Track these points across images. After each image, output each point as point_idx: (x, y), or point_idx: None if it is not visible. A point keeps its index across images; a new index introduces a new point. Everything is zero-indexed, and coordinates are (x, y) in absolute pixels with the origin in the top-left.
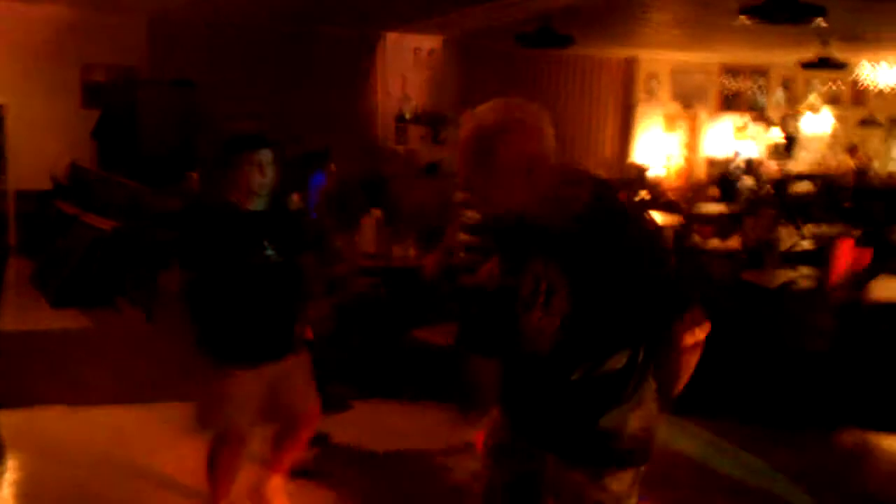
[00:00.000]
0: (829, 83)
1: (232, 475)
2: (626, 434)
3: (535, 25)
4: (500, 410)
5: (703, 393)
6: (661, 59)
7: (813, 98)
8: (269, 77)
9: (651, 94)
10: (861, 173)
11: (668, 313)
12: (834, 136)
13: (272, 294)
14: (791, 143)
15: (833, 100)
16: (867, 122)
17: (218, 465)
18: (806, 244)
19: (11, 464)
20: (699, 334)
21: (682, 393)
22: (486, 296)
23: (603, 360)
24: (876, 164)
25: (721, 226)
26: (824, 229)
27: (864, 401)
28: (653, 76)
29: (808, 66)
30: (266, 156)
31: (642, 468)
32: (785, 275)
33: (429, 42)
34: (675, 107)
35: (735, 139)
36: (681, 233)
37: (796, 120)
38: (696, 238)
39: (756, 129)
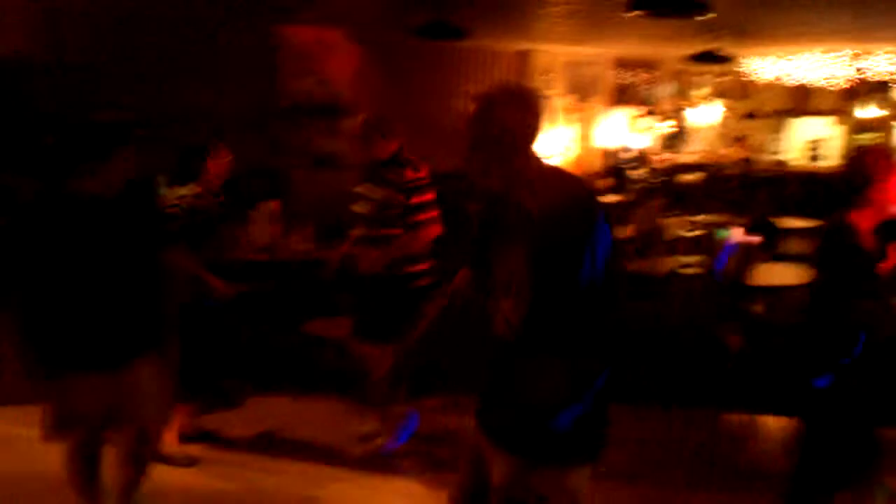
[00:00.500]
0: (718, 76)
1: (87, 481)
2: (584, 429)
3: (429, 17)
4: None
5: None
6: (555, 52)
7: (702, 91)
8: (170, 67)
9: (545, 86)
10: (747, 163)
11: (614, 304)
12: (723, 127)
13: (108, 295)
14: (681, 134)
15: (721, 93)
16: (753, 115)
17: (72, 471)
18: (694, 232)
19: None
20: None
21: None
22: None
23: (561, 352)
24: (761, 155)
25: (614, 216)
26: (711, 218)
27: (750, 384)
28: (547, 69)
29: (696, 59)
30: (125, 146)
31: (597, 462)
32: (672, 262)
33: (326, 34)
34: (569, 99)
35: (629, 131)
36: None
37: (686, 112)
38: None
39: (648, 121)
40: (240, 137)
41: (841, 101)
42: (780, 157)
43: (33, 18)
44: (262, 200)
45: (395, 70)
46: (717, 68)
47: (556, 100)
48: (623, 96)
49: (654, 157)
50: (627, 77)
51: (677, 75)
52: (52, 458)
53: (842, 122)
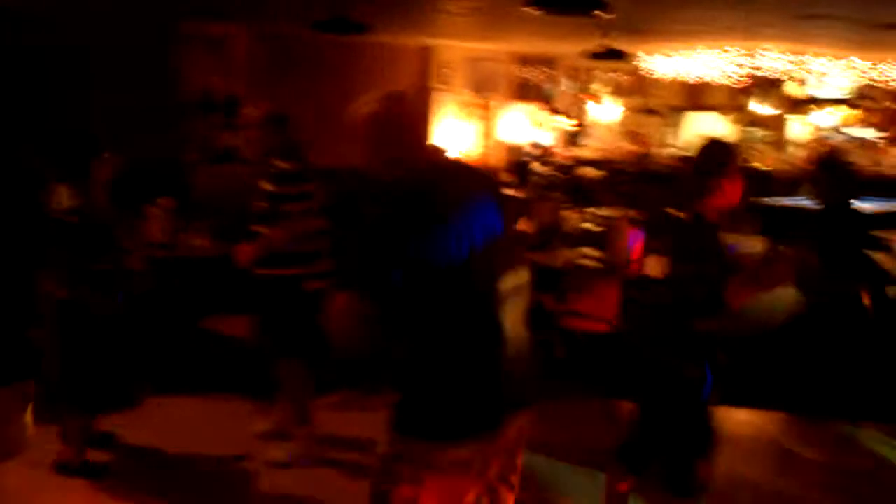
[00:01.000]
0: (616, 73)
1: None
2: (462, 403)
3: (331, 13)
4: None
5: None
6: (455, 47)
7: (598, 87)
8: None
9: (445, 82)
10: (642, 159)
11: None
12: (621, 123)
13: None
14: (580, 130)
15: (617, 89)
16: (647, 111)
17: None
18: (590, 226)
19: None
20: None
21: None
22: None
23: (431, 336)
24: (656, 150)
25: (517, 210)
26: (607, 212)
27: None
28: (447, 65)
29: (594, 56)
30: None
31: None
32: (569, 254)
33: (226, 29)
34: (469, 95)
35: (530, 127)
36: None
37: (584, 108)
38: None
39: (548, 117)
40: (140, 133)
41: (735, 97)
42: (677, 151)
43: None
44: (158, 196)
45: (296, 65)
46: (614, 65)
47: (458, 95)
48: (524, 92)
49: (557, 153)
50: (528, 73)
51: (576, 72)
52: None
53: (736, 119)
